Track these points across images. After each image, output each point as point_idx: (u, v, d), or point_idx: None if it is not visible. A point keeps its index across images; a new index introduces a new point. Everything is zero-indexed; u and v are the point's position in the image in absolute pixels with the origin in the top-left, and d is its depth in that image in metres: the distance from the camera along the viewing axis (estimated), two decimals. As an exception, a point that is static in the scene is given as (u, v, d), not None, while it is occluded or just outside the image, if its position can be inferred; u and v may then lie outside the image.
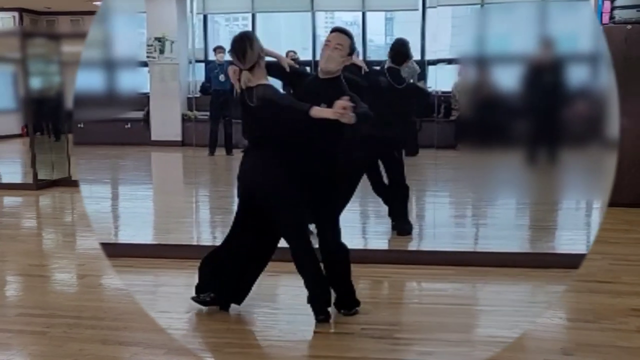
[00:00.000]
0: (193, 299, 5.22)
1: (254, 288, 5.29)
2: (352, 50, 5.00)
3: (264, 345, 4.83)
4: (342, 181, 6.96)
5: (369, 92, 6.75)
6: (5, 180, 11.08)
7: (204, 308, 5.23)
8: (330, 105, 4.61)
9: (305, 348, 4.73)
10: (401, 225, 7.53)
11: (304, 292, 4.99)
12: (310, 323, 4.95)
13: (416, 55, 12.71)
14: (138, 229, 8.20)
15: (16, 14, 13.75)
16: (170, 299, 5.62)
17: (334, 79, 4.97)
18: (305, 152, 4.90)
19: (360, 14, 16.04)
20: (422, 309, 5.45)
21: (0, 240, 7.86)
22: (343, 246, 5.15)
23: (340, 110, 4.51)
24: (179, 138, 15.42)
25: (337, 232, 5.13)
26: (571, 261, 6.07)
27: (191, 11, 15.62)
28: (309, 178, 4.92)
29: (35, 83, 11.51)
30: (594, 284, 5.85)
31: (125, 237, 7.87)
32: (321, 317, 4.98)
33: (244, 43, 4.81)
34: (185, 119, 15.45)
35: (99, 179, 12.25)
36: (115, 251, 6.83)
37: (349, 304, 5.19)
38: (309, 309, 5.00)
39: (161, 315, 5.20)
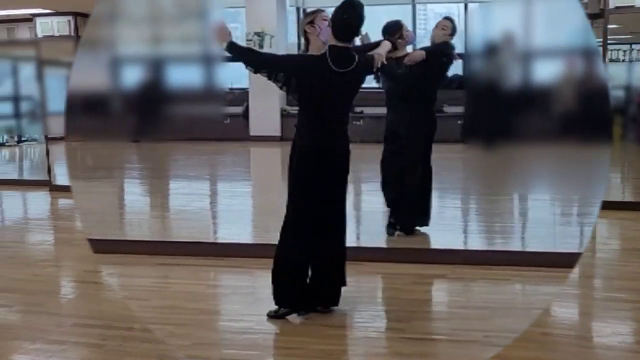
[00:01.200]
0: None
1: (352, 289, 5.13)
2: None
3: (382, 353, 4.61)
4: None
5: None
6: (59, 182, 11.08)
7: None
8: None
9: (427, 357, 4.49)
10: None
11: (406, 295, 4.76)
12: (422, 330, 4.73)
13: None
14: (239, 227, 8.06)
15: (71, 17, 14.01)
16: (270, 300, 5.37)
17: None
18: None
19: (454, 5, 15.76)
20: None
21: (56, 244, 7.86)
22: None
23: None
24: (278, 133, 15.31)
25: None
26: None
27: (297, 6, 15.54)
28: None
29: (90, 86, 11.61)
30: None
31: (226, 235, 7.73)
32: None
33: None
34: (284, 114, 15.34)
35: (200, 175, 12.25)
36: (213, 250, 6.76)
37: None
38: (420, 315, 4.79)
39: (261, 318, 5.03)
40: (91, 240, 6.90)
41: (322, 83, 4.83)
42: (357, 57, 4.91)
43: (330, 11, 4.96)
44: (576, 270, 6.17)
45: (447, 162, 8.86)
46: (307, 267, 4.99)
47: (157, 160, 12.57)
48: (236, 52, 4.89)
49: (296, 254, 4.95)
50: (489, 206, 8.05)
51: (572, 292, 5.76)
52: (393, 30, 6.66)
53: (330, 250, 5.01)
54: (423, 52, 6.75)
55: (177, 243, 7.06)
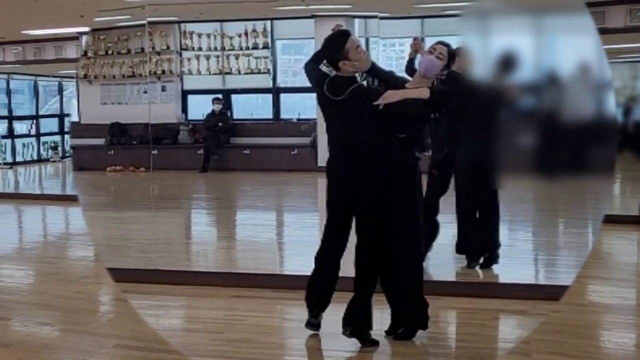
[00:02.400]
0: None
1: (431, 324, 5.07)
2: None
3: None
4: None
5: None
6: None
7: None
8: None
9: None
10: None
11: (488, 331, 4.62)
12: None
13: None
14: (309, 260, 7.92)
15: (117, 36, 14.95)
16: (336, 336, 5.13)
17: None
18: None
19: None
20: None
21: (97, 260, 7.79)
22: None
23: None
24: (347, 164, 15.21)
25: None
26: None
27: (366, 37, 15.47)
28: None
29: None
30: None
31: (297, 267, 7.60)
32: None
33: None
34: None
35: (269, 206, 12.19)
36: (283, 282, 6.66)
37: None
38: (503, 352, 4.70)
39: (338, 353, 4.95)
40: (155, 271, 6.86)
41: (322, 104, 4.98)
42: (354, 87, 4.83)
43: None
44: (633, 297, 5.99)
45: (515, 193, 8.68)
46: (323, 274, 5.26)
47: (225, 191, 12.55)
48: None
49: (318, 260, 5.30)
50: (562, 239, 7.84)
51: (632, 321, 5.63)
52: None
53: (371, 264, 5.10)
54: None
55: (247, 275, 6.96)
